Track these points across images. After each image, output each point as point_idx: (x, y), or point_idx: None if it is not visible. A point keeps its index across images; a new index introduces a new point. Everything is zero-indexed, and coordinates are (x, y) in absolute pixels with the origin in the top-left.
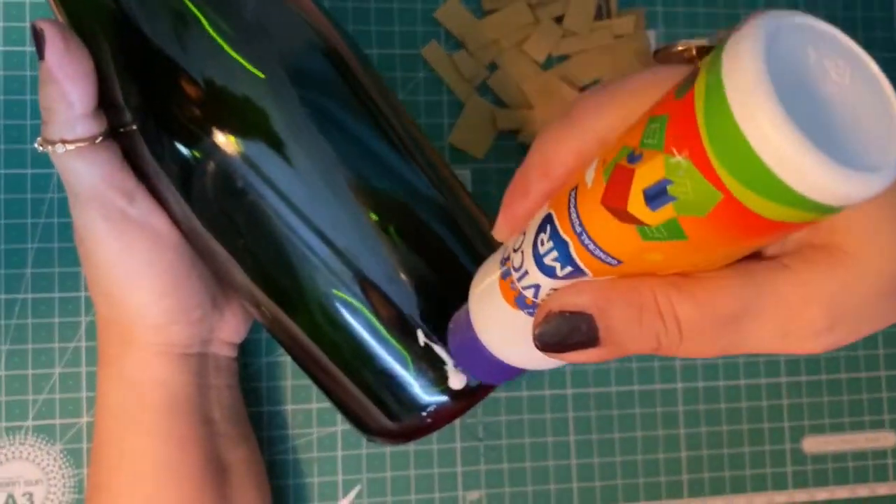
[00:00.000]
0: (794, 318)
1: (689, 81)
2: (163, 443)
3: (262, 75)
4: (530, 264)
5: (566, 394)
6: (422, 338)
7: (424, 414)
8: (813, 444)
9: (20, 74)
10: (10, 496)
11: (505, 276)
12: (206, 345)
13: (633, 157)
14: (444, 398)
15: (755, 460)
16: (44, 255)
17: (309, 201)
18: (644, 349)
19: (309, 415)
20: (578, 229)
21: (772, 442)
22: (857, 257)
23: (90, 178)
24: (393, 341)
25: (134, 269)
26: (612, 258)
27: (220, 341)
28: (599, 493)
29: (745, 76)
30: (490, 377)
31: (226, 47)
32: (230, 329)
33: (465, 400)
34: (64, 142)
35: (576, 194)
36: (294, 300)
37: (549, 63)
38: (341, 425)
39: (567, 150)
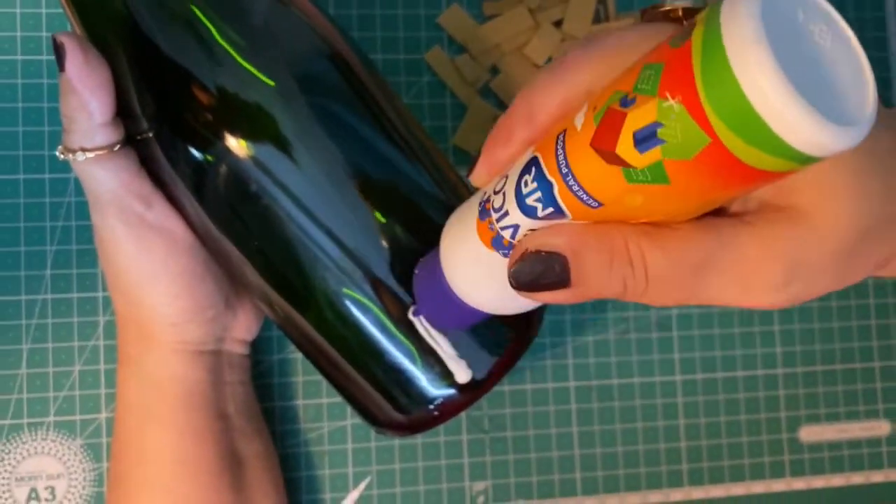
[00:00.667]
0: (754, 272)
1: (685, 33)
2: (180, 437)
3: (271, 82)
4: (511, 205)
5: (569, 386)
6: (423, 332)
7: (432, 407)
8: (809, 434)
9: (38, 83)
10: (33, 490)
11: (483, 216)
12: (220, 342)
13: (626, 102)
14: (450, 391)
15: (753, 450)
16: (62, 256)
17: (318, 202)
18: (611, 293)
19: (320, 409)
20: (564, 171)
21: (769, 432)
22: (814, 218)
23: (109, 184)
24: (401, 337)
25: (151, 270)
26: (594, 200)
27: (233, 339)
28: (602, 482)
29: (742, 30)
30: (452, 322)
31: (236, 56)
32: (243, 327)
33: (471, 393)
34: (84, 150)
35: (564, 137)
36: (305, 298)
37: None
38: (351, 419)
39: (553, 99)
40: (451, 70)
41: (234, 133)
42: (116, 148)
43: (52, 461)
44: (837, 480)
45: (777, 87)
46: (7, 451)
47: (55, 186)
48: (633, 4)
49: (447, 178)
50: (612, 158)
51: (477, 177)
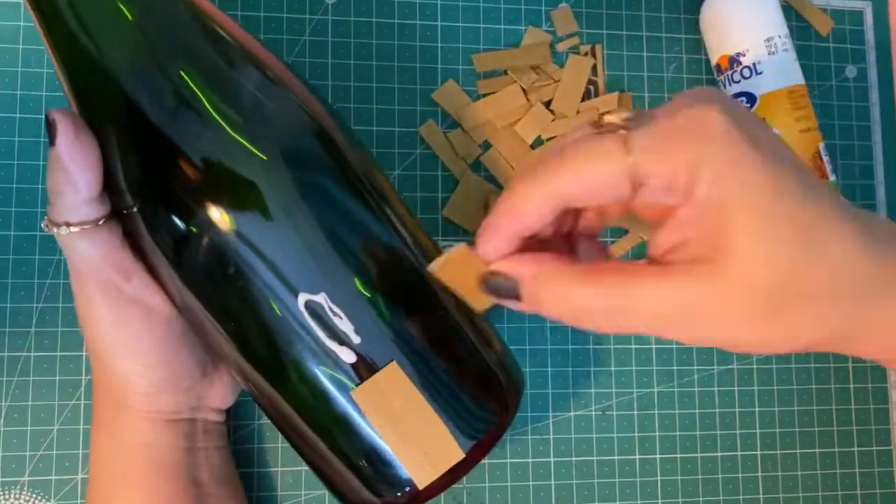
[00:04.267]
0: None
1: None
2: (151, 503)
3: (263, 157)
4: None
5: (549, 461)
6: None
7: (408, 490)
8: None
9: (35, 140)
10: None
11: None
12: (195, 411)
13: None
14: None
15: None
16: (48, 314)
17: (299, 277)
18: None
19: (298, 477)
20: None
21: None
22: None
23: (91, 257)
24: None
25: (127, 341)
26: None
27: (208, 408)
28: None
29: None
30: None
31: (230, 130)
32: (218, 397)
33: (448, 475)
34: (68, 224)
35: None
36: (280, 373)
37: (538, 142)
38: (327, 490)
39: (532, 202)
40: (444, 144)
41: (220, 206)
42: (101, 222)
43: None
44: None
45: None
46: None
47: (45, 244)
48: (623, 84)
49: (425, 249)
50: None
51: (483, 252)
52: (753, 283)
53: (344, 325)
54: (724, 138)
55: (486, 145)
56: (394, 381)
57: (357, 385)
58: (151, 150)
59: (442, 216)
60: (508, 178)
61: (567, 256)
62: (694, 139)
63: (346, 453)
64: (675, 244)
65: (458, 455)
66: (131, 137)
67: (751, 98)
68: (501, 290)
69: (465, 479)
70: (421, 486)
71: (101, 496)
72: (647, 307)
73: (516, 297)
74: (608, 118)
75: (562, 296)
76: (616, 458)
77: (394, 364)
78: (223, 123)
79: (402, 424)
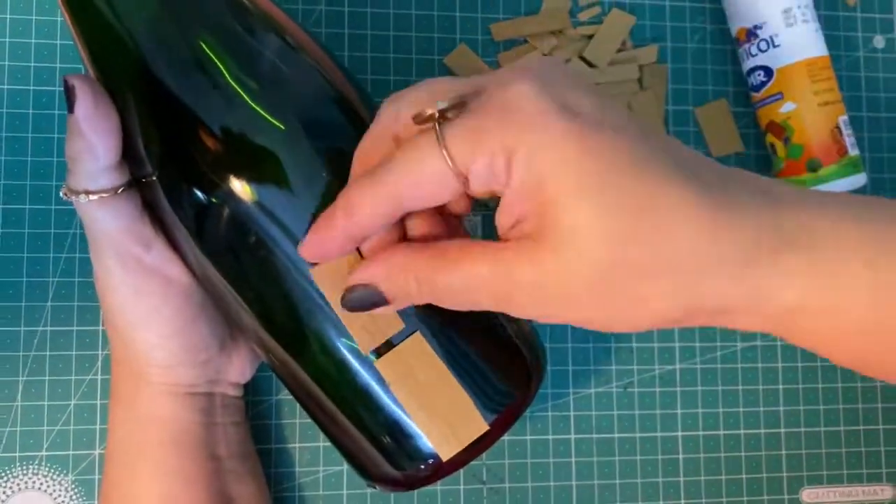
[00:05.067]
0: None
1: None
2: (168, 478)
3: (281, 126)
4: None
5: (569, 438)
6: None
7: (430, 463)
8: (811, 496)
9: (49, 113)
10: None
11: None
12: (213, 385)
13: None
14: None
15: None
16: (65, 288)
17: None
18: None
19: (316, 453)
20: None
21: (770, 492)
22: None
23: (110, 226)
24: None
25: (143, 312)
26: None
27: (226, 382)
28: None
29: None
30: None
31: (247, 98)
32: (237, 371)
33: (469, 450)
34: (88, 192)
35: None
36: (301, 345)
37: None
38: (347, 464)
39: (367, 206)
40: None
41: (239, 176)
42: (120, 191)
43: (42, 497)
44: None
45: None
46: None
47: (60, 218)
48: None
49: None
50: None
51: (305, 251)
52: (583, 259)
53: None
54: (536, 117)
55: None
56: (418, 351)
57: (379, 357)
58: (170, 119)
59: None
60: None
61: (417, 239)
62: (506, 123)
63: (368, 426)
64: (512, 223)
65: (482, 427)
66: (150, 105)
67: (767, 72)
68: (364, 302)
69: (484, 455)
70: (445, 458)
71: (118, 471)
72: (483, 285)
73: (382, 301)
74: (425, 110)
75: (418, 282)
76: (637, 435)
77: (417, 334)
78: (242, 93)
79: (426, 396)
